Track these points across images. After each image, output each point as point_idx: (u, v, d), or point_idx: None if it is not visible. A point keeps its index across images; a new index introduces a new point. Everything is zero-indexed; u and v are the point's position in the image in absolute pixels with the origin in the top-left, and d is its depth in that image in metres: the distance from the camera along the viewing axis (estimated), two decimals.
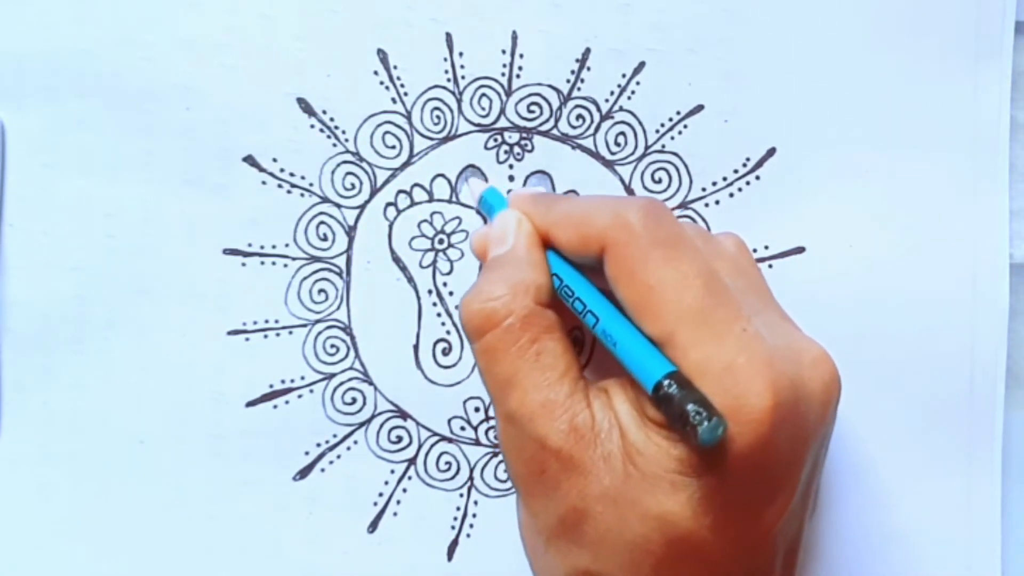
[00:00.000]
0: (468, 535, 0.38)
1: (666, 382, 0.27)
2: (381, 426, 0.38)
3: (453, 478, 0.38)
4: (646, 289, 0.29)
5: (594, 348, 0.38)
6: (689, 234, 0.31)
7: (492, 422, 0.38)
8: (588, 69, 0.38)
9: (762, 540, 0.29)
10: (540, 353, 0.30)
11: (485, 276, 0.32)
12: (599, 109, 0.38)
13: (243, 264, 0.38)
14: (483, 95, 0.38)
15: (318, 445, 0.38)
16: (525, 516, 0.31)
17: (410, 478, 0.38)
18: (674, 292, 0.28)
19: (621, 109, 0.38)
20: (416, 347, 0.38)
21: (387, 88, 0.38)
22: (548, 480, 0.29)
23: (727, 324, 0.28)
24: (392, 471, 0.38)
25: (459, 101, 0.38)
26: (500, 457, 0.38)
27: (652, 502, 0.28)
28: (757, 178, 0.39)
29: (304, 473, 0.38)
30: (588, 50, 0.38)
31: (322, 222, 0.38)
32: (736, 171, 0.39)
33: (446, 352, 0.38)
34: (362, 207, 0.38)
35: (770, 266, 0.39)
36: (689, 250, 0.29)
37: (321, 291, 0.38)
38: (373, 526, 0.38)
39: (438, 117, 0.38)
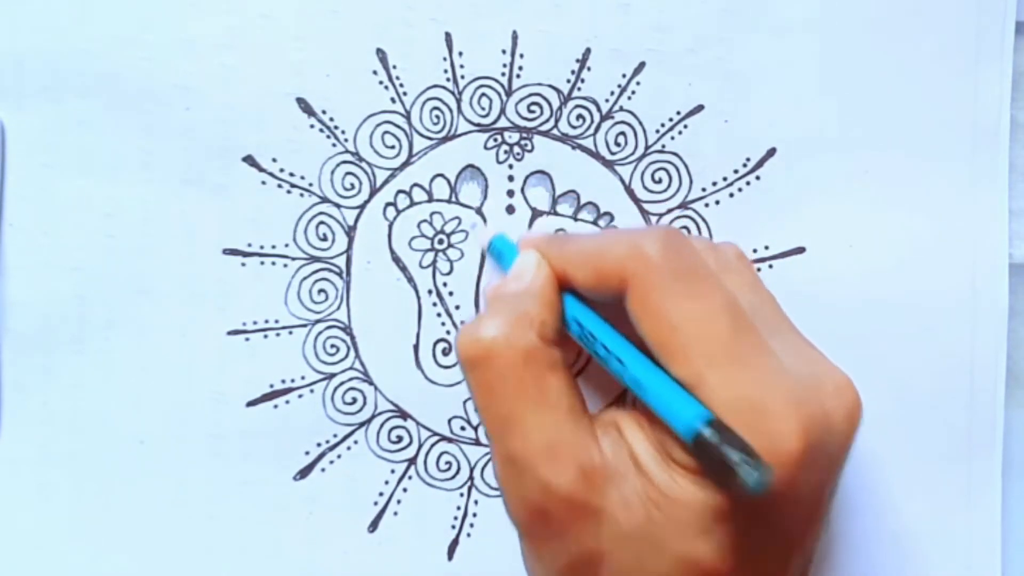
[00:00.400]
0: (468, 535, 0.38)
1: (707, 431, 0.26)
2: (381, 426, 0.38)
3: (453, 478, 0.38)
4: (671, 328, 0.28)
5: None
6: (706, 261, 0.30)
7: None
8: (588, 69, 0.38)
9: (784, 572, 0.28)
10: (544, 391, 0.29)
11: (490, 307, 0.31)
12: (599, 109, 0.38)
13: (243, 264, 0.38)
14: (483, 95, 0.38)
15: (318, 445, 0.38)
16: (529, 557, 0.30)
17: (410, 478, 0.38)
18: (700, 330, 0.28)
19: (621, 109, 0.38)
20: (416, 347, 0.38)
21: (386, 88, 0.38)
22: (554, 525, 0.28)
23: (755, 361, 0.27)
24: (392, 471, 0.38)
25: (458, 101, 0.38)
26: None
27: (679, 545, 0.27)
28: (757, 178, 0.39)
29: (304, 473, 0.38)
30: (588, 50, 0.38)
31: (322, 222, 0.38)
32: (736, 171, 0.38)
33: (446, 352, 0.38)
34: (362, 207, 0.38)
35: (770, 266, 0.39)
36: (710, 281, 0.29)
37: (321, 291, 0.38)
38: (373, 526, 0.38)
39: (437, 117, 0.38)
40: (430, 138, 0.38)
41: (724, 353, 0.27)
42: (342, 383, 0.38)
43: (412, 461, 0.38)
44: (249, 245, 0.38)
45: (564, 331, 0.32)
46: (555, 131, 0.38)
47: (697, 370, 0.27)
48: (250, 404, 0.38)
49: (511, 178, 0.38)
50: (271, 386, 0.38)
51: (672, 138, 0.38)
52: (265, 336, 0.38)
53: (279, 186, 0.38)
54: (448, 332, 0.38)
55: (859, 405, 0.30)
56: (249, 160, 0.38)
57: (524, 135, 0.38)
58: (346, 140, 0.38)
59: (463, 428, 0.38)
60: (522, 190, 0.38)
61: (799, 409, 0.27)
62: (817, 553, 0.38)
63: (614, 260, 0.29)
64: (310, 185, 0.38)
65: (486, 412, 0.29)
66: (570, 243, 0.32)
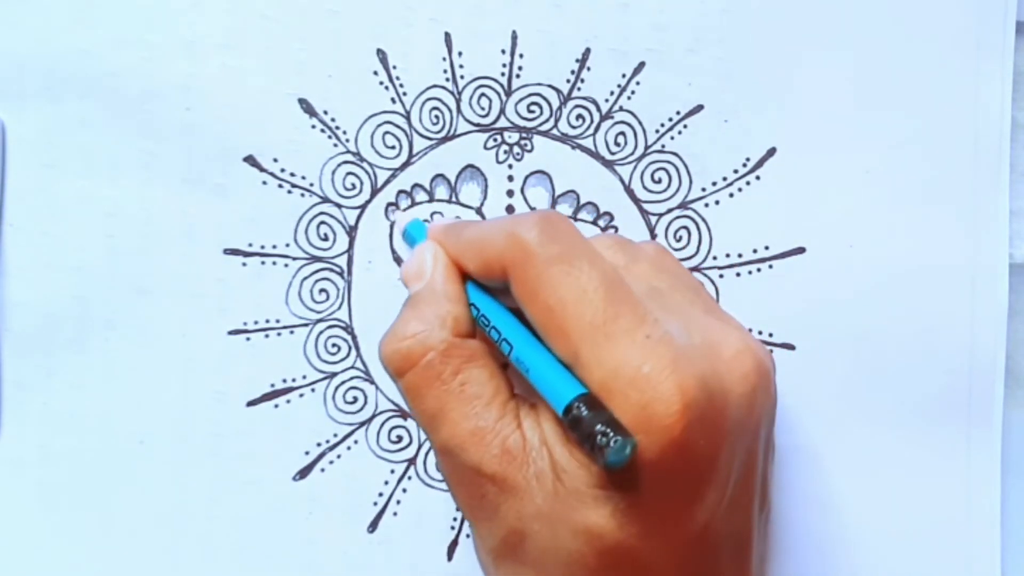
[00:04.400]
0: (468, 535, 0.38)
1: (575, 405, 0.27)
2: (382, 426, 0.38)
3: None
4: (547, 310, 0.29)
5: None
6: (588, 242, 0.30)
7: None
8: (588, 69, 0.38)
9: (697, 539, 0.29)
10: (464, 383, 0.30)
11: (401, 315, 0.32)
12: (599, 109, 0.38)
13: (244, 264, 0.38)
14: (482, 95, 0.38)
15: (318, 445, 0.38)
16: (475, 539, 0.32)
17: (410, 478, 0.38)
18: (574, 309, 0.28)
19: (621, 109, 0.38)
20: None
21: (387, 88, 0.38)
22: (488, 504, 0.30)
23: (630, 334, 0.28)
24: (392, 471, 0.38)
25: (458, 101, 0.38)
26: None
27: (579, 517, 0.28)
28: (757, 178, 0.39)
29: (304, 473, 0.38)
30: (588, 50, 0.38)
31: (323, 222, 0.38)
32: (736, 171, 0.39)
33: None
34: (363, 207, 0.38)
35: (770, 266, 0.39)
36: (587, 260, 0.29)
37: (322, 291, 0.38)
38: (373, 526, 0.38)
39: (437, 117, 0.38)
40: (430, 138, 0.38)
41: (598, 329, 0.28)
42: (343, 382, 0.38)
43: (412, 461, 0.38)
44: (250, 245, 0.38)
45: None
46: (555, 131, 0.38)
47: (574, 348, 0.28)
48: (250, 404, 0.38)
49: (511, 178, 0.38)
50: (272, 386, 0.38)
51: (672, 138, 0.38)
52: (266, 336, 0.38)
53: (280, 186, 0.38)
54: None
55: (758, 367, 0.30)
56: (250, 160, 0.38)
57: (524, 135, 0.38)
58: (347, 140, 0.38)
59: None
60: (522, 190, 0.38)
61: (675, 372, 0.27)
62: (817, 552, 0.38)
63: (495, 249, 0.30)
64: (311, 185, 0.38)
65: (417, 412, 0.31)
66: (463, 232, 0.32)
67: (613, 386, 0.28)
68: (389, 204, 0.38)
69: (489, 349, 0.31)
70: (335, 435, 0.38)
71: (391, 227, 0.38)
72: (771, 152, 0.38)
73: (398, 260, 0.38)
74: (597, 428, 0.26)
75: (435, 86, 0.38)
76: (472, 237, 0.32)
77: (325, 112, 0.38)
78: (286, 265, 0.38)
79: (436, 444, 0.31)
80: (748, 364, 0.30)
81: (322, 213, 0.38)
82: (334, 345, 0.38)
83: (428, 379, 0.30)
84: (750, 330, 0.38)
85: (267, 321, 0.38)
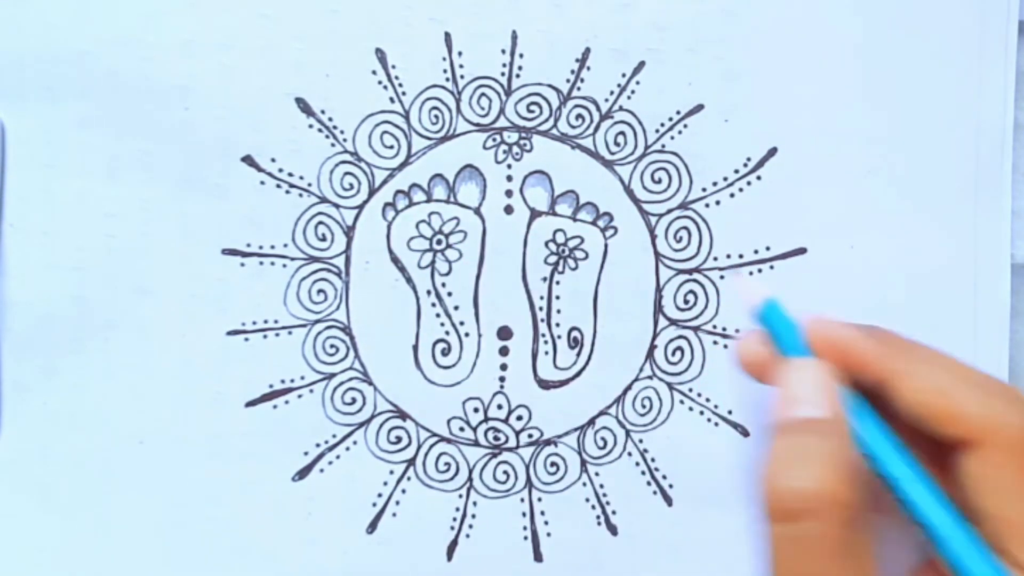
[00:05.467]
0: (467, 535, 0.38)
1: None
2: (380, 426, 0.38)
3: (452, 479, 0.38)
4: None
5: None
6: None
7: (491, 423, 0.38)
8: (588, 69, 0.38)
9: None
10: (859, 559, 0.25)
11: (793, 444, 0.26)
12: (599, 109, 0.38)
13: (242, 264, 0.38)
14: (482, 95, 0.38)
15: (317, 445, 0.38)
16: None
17: (409, 479, 0.38)
18: None
19: (621, 109, 0.38)
20: (415, 347, 0.38)
21: (385, 88, 0.38)
22: None
23: None
24: (391, 471, 0.38)
25: (458, 101, 0.38)
26: (499, 458, 0.38)
27: None
28: (758, 178, 0.38)
29: (303, 473, 0.38)
30: (588, 50, 0.38)
31: (321, 222, 0.38)
32: (737, 171, 0.38)
33: (445, 352, 0.38)
34: (360, 207, 0.38)
35: (772, 267, 0.38)
36: None
37: (320, 291, 0.38)
38: (372, 526, 0.38)
39: (436, 116, 0.38)
40: (429, 138, 0.38)
41: None
42: (341, 383, 0.38)
43: (411, 462, 0.38)
44: (248, 245, 0.38)
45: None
46: (554, 131, 0.38)
47: None
48: (249, 404, 0.38)
49: (510, 178, 0.38)
50: (270, 386, 0.38)
51: (672, 138, 0.38)
52: (264, 336, 0.38)
53: (278, 186, 0.38)
54: (447, 333, 0.38)
55: None
56: (248, 160, 0.38)
57: (523, 135, 0.38)
58: (345, 140, 0.38)
59: (462, 429, 0.38)
60: (521, 190, 0.38)
61: None
62: None
63: (971, 411, 0.26)
64: (309, 185, 0.38)
65: (786, 571, 0.25)
66: (908, 351, 0.28)
67: None
68: (386, 204, 0.38)
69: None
70: (334, 436, 0.38)
71: (388, 227, 0.38)
72: (772, 152, 0.38)
73: (395, 260, 0.38)
74: None
75: (435, 86, 0.38)
76: (932, 372, 0.27)
77: (323, 112, 0.38)
78: (284, 265, 0.38)
79: None
80: None
81: (320, 213, 0.38)
82: (332, 346, 0.38)
83: (820, 539, 0.25)
84: None
85: (265, 321, 0.38)
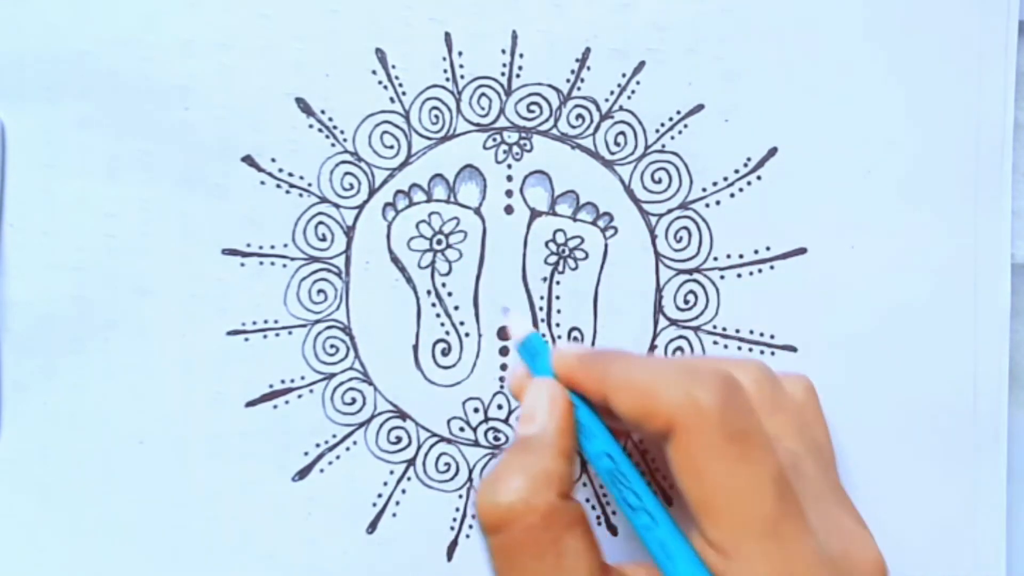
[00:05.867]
0: (467, 535, 0.38)
1: None
2: (380, 426, 0.38)
3: (452, 479, 0.38)
4: (714, 490, 0.27)
5: None
6: (762, 422, 0.29)
7: (491, 423, 0.38)
8: (588, 69, 0.38)
9: None
10: (561, 555, 0.28)
11: (506, 462, 0.29)
12: (599, 109, 0.38)
13: (242, 264, 0.38)
14: (482, 95, 0.38)
15: (317, 445, 0.38)
16: None
17: (409, 479, 0.38)
18: (744, 499, 0.27)
19: (621, 109, 0.38)
20: (415, 347, 0.38)
21: (385, 88, 0.38)
22: None
23: (795, 543, 0.27)
24: (391, 472, 0.38)
25: (458, 101, 0.38)
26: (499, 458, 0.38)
27: None
28: (758, 178, 0.38)
29: (303, 473, 0.38)
30: (588, 50, 0.38)
31: (321, 222, 0.38)
32: (737, 171, 0.38)
33: (445, 352, 0.38)
34: (361, 207, 0.38)
35: (772, 267, 0.38)
36: (763, 446, 0.28)
37: (320, 291, 0.38)
38: (372, 527, 0.38)
39: (436, 117, 0.38)
40: (429, 138, 0.38)
41: (763, 526, 0.27)
42: (341, 383, 0.38)
43: (411, 462, 0.38)
44: (248, 245, 0.38)
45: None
46: (554, 131, 0.38)
47: (733, 537, 0.27)
48: (249, 404, 0.38)
49: (510, 178, 0.38)
50: (270, 386, 0.38)
51: (672, 138, 0.38)
52: (264, 336, 0.38)
53: (278, 186, 0.38)
54: (447, 333, 0.38)
55: None
56: (248, 160, 0.38)
57: (523, 135, 0.38)
58: (345, 140, 0.38)
59: (462, 429, 0.38)
60: (521, 190, 0.38)
61: None
62: None
63: (664, 403, 0.28)
64: (309, 185, 0.38)
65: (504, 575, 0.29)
66: (614, 368, 0.30)
67: None
68: (386, 204, 0.38)
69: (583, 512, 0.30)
70: (334, 436, 0.38)
71: (388, 227, 0.38)
72: (772, 152, 0.38)
73: (395, 260, 0.38)
74: None
75: (435, 86, 0.38)
76: (631, 377, 0.29)
77: (323, 112, 0.38)
78: (284, 265, 0.38)
79: None
80: None
81: (320, 213, 0.38)
82: (332, 346, 0.38)
83: (524, 544, 0.28)
84: (750, 336, 0.38)
85: (265, 322, 0.38)
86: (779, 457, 0.28)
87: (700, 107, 0.38)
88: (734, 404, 0.28)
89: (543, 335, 0.37)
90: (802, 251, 0.38)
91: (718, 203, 0.38)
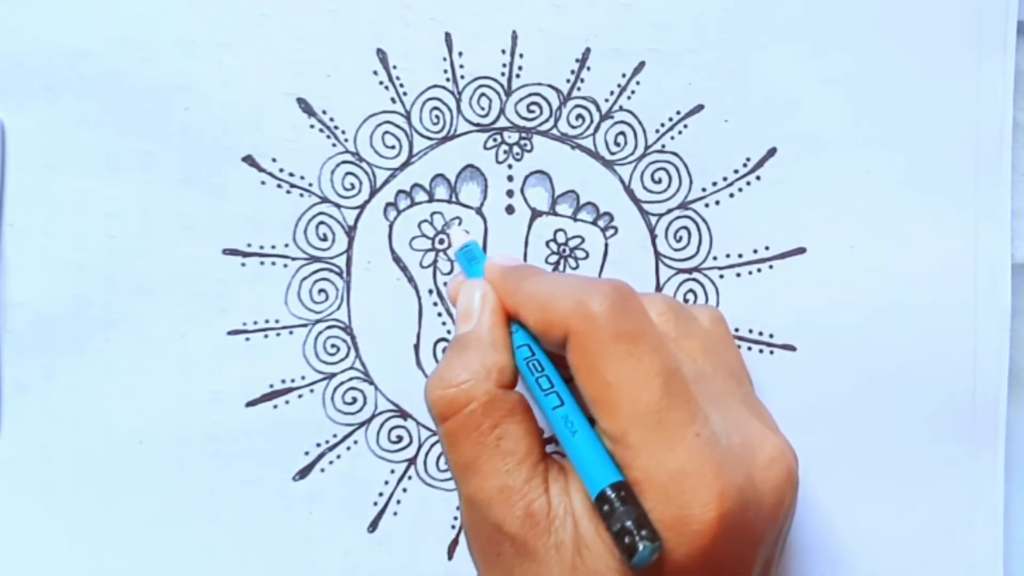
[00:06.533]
0: None
1: (610, 492, 0.28)
2: (381, 426, 0.38)
3: (453, 478, 0.38)
4: (604, 385, 0.29)
5: None
6: (654, 325, 0.30)
7: None
8: (588, 69, 0.38)
9: None
10: (501, 438, 0.30)
11: (448, 360, 0.32)
12: (599, 109, 0.38)
13: (243, 264, 0.38)
14: (482, 95, 0.38)
15: (318, 445, 0.38)
16: None
17: (410, 478, 0.38)
18: (631, 391, 0.29)
19: (621, 109, 0.38)
20: (417, 347, 0.38)
21: (386, 88, 0.38)
22: (503, 563, 0.30)
23: (681, 428, 0.28)
24: (392, 471, 0.38)
25: (458, 101, 0.38)
26: None
27: None
28: (758, 178, 0.38)
29: (304, 473, 0.38)
30: (588, 50, 0.38)
31: (322, 222, 0.38)
32: (736, 171, 0.38)
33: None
34: (362, 207, 0.38)
35: (771, 267, 0.38)
36: (651, 344, 0.29)
37: (321, 291, 0.38)
38: (373, 526, 0.38)
39: (437, 117, 0.38)
40: (430, 138, 0.38)
41: (651, 416, 0.28)
42: (342, 383, 0.38)
43: (412, 461, 0.38)
44: (249, 245, 0.38)
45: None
46: (554, 131, 0.38)
47: (623, 427, 0.28)
48: (250, 404, 0.38)
49: (510, 178, 0.38)
50: (271, 386, 0.38)
51: (672, 138, 0.38)
52: (265, 336, 0.38)
53: (279, 186, 0.38)
54: (449, 332, 0.38)
55: (791, 479, 0.30)
56: (249, 160, 0.38)
57: (523, 135, 0.38)
58: (346, 140, 0.38)
59: None
60: (521, 190, 0.38)
61: (719, 479, 0.28)
62: (820, 554, 0.38)
63: (560, 313, 0.30)
64: (310, 185, 0.38)
65: (451, 459, 0.31)
66: (524, 283, 0.32)
67: (655, 476, 0.28)
68: (388, 204, 0.38)
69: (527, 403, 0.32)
70: (335, 435, 0.38)
71: (390, 227, 0.38)
72: (771, 152, 0.38)
73: (397, 260, 0.38)
74: (627, 524, 0.27)
75: (435, 86, 0.38)
76: (535, 292, 0.32)
77: (324, 112, 0.38)
78: (285, 265, 0.38)
79: (463, 494, 0.31)
80: (782, 474, 0.30)
81: (321, 213, 0.38)
82: (333, 346, 0.38)
83: (467, 429, 0.30)
84: (749, 335, 0.38)
85: (266, 321, 0.38)
86: (676, 361, 0.30)
87: (700, 107, 0.38)
88: (622, 307, 0.30)
89: (481, 244, 0.38)
90: (801, 251, 0.39)
91: (718, 203, 0.38)
